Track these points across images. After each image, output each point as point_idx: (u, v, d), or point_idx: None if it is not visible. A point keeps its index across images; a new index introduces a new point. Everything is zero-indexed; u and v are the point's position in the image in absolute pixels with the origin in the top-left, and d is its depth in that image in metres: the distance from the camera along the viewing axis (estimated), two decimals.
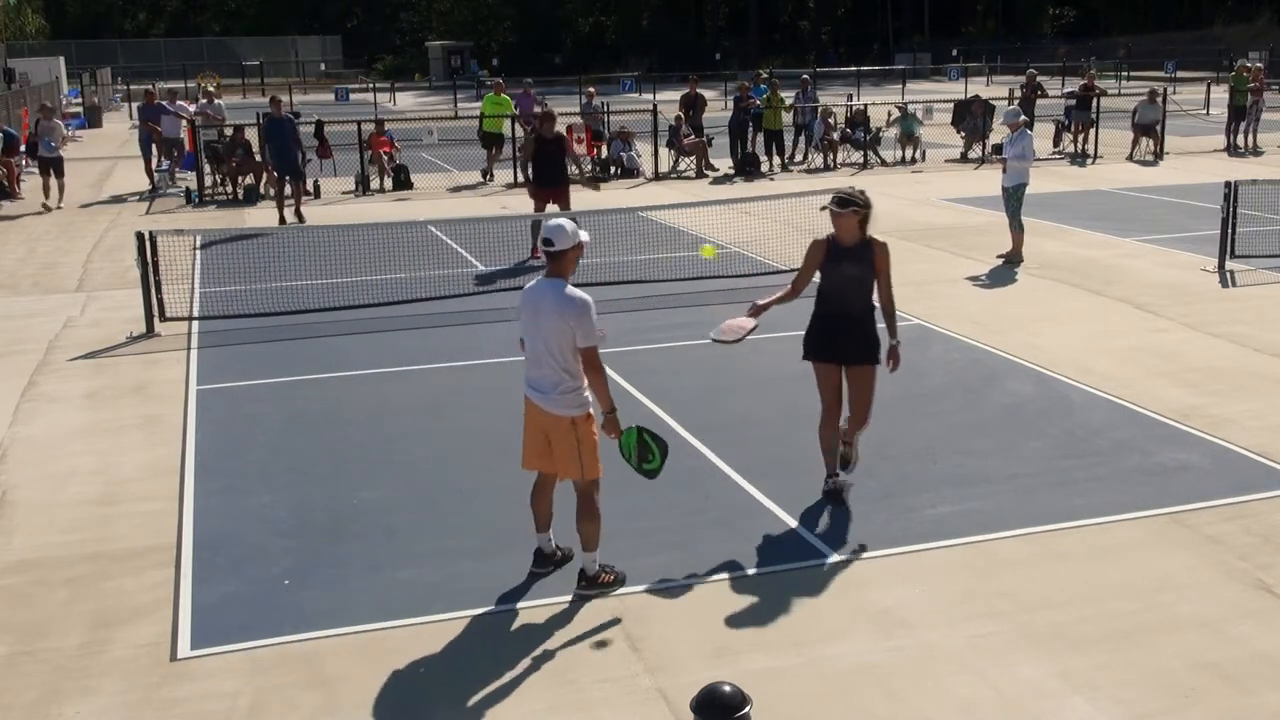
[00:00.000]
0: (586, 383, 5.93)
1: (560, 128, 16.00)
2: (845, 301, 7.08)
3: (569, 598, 6.08)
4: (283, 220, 18.06)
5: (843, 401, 7.23)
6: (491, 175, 23.02)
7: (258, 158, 21.31)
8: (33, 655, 5.67)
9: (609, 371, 10.17)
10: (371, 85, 52.29)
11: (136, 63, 63.20)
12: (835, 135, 24.52)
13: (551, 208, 14.79)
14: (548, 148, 14.95)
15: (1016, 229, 14.38)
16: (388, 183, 22.20)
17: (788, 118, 24.94)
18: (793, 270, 14.09)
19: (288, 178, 18.34)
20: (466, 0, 75.68)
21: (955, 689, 5.24)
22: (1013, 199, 14.30)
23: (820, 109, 25.36)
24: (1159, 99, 25.42)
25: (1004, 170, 14.52)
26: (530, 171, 15.05)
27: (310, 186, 21.43)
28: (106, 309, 12.76)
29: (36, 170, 21.36)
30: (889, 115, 26.18)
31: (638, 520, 7.03)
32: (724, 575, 6.33)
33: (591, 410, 6.00)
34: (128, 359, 10.84)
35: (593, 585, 6.10)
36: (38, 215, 19.61)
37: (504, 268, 14.61)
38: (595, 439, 6.01)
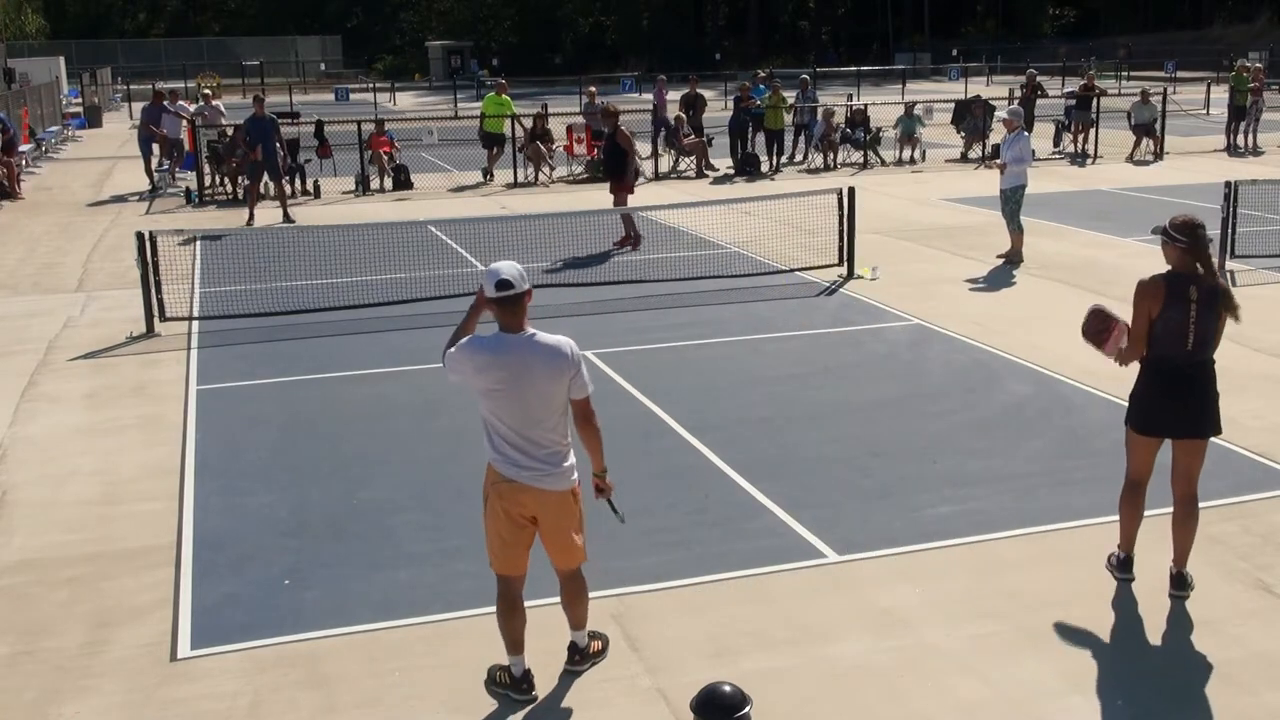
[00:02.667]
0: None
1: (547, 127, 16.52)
2: None
3: None
4: (251, 220, 18.12)
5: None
6: (491, 175, 23.01)
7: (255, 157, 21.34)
8: (33, 655, 5.67)
9: (609, 371, 10.23)
10: (371, 85, 52.31)
11: (136, 63, 63.21)
12: (836, 136, 24.50)
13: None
14: (607, 144, 16.14)
15: (1016, 230, 14.38)
16: (388, 183, 22.19)
17: (789, 117, 24.93)
18: (792, 270, 14.23)
19: (267, 178, 18.63)
20: (466, 0, 75.65)
21: (955, 689, 5.24)
22: (1010, 201, 14.30)
23: (823, 109, 25.36)
24: (1151, 99, 25.44)
25: (1001, 172, 14.51)
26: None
27: (310, 186, 21.48)
28: (106, 309, 12.76)
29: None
30: (908, 109, 25.82)
31: (638, 520, 7.01)
32: (724, 575, 6.32)
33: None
34: (128, 359, 10.84)
35: (585, 658, 5.45)
36: (38, 214, 19.60)
37: None
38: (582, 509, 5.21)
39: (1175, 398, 5.79)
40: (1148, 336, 5.76)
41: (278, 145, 18.78)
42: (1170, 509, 6.04)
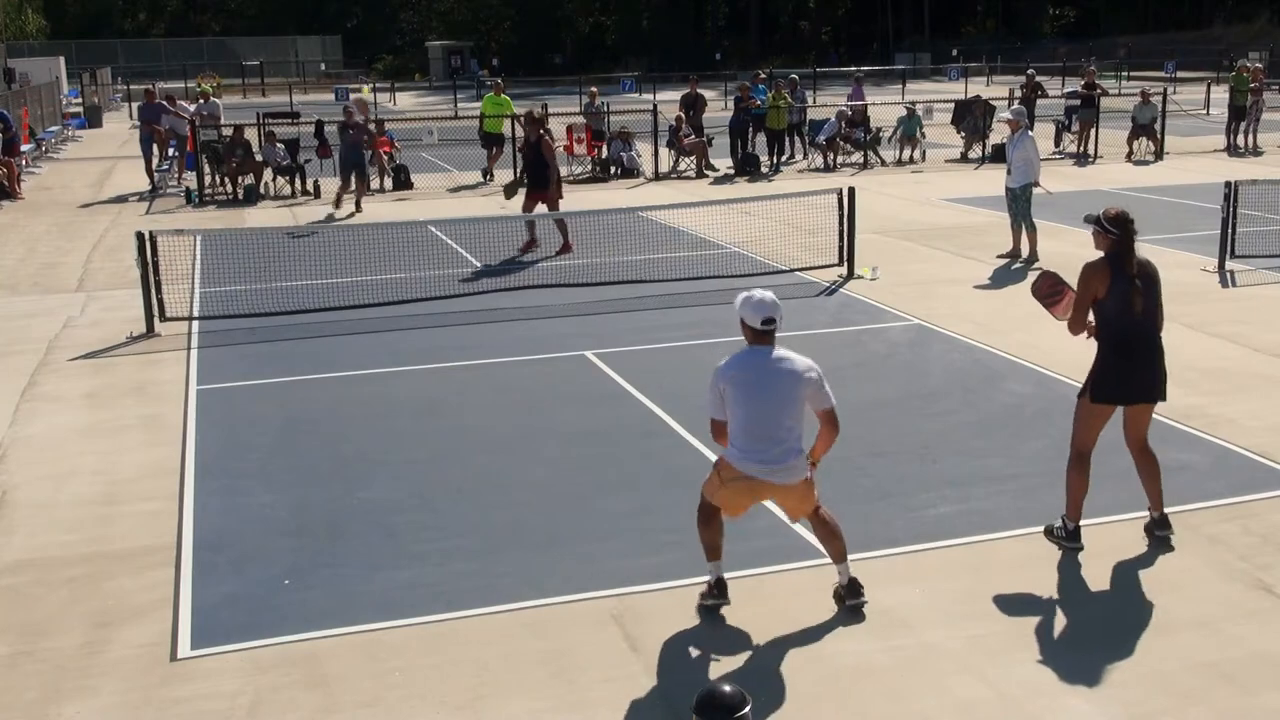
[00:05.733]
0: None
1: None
2: None
3: (569, 598, 6.08)
4: (358, 209, 19.10)
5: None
6: (491, 175, 23.01)
7: (258, 158, 21.36)
8: (33, 655, 5.67)
9: (609, 372, 10.24)
10: (372, 85, 52.29)
11: (136, 63, 63.22)
12: (839, 138, 24.51)
13: (540, 209, 15.61)
14: (528, 152, 15.80)
15: (1030, 229, 14.40)
16: (388, 183, 22.19)
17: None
18: (793, 270, 14.22)
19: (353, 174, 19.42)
20: (466, 0, 75.69)
21: (955, 689, 5.24)
22: (1020, 199, 14.31)
23: (838, 110, 25.38)
24: (1151, 99, 25.47)
25: (1009, 171, 14.52)
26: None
27: (310, 186, 21.49)
28: (106, 309, 12.76)
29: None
30: (909, 111, 25.91)
31: (638, 519, 7.03)
32: (724, 575, 6.31)
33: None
34: (128, 359, 10.85)
35: (860, 591, 5.92)
36: (38, 214, 19.61)
37: (504, 268, 14.61)
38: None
39: (1139, 365, 6.34)
40: (1099, 314, 6.30)
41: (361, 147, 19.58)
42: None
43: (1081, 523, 6.64)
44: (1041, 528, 6.80)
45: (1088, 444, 6.51)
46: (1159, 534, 6.59)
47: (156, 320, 11.68)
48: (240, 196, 21.01)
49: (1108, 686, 5.24)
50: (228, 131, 21.97)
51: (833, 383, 10.20)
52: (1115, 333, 6.29)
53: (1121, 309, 6.24)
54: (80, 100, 42.22)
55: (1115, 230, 6.26)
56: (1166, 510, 6.72)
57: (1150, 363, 6.38)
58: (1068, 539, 6.56)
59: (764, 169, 23.73)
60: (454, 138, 26.38)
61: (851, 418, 8.84)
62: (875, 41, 76.04)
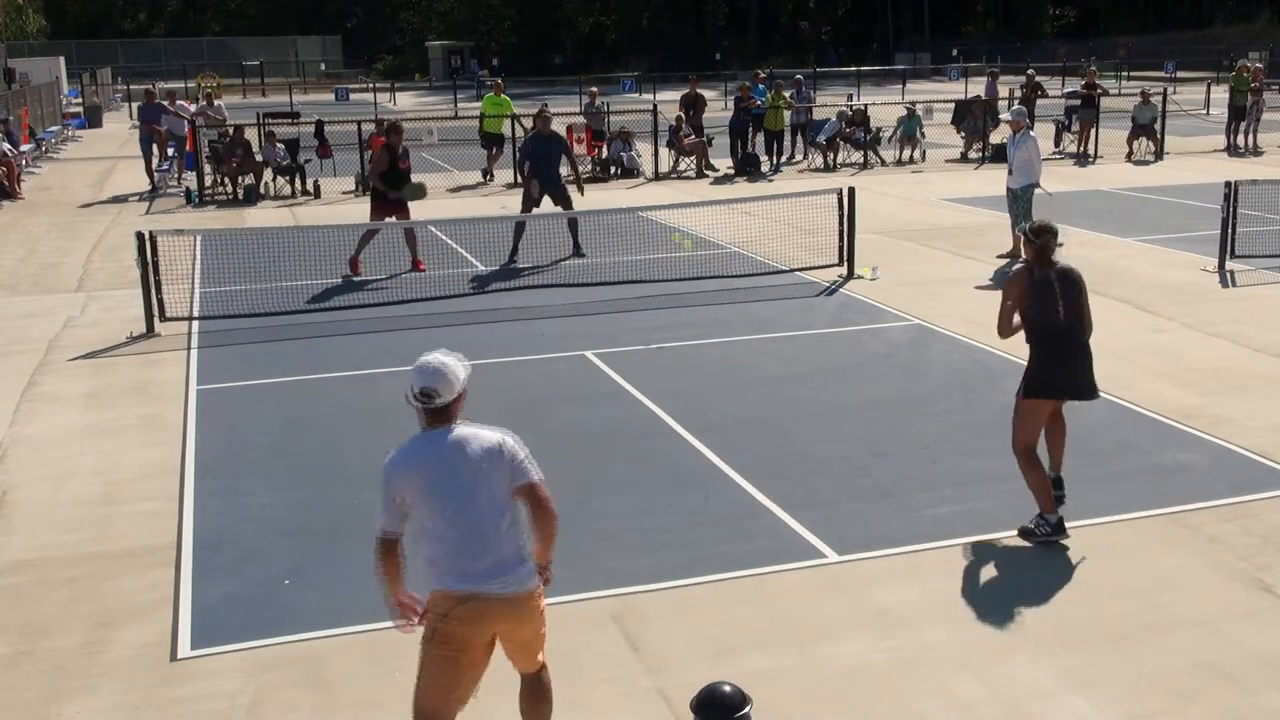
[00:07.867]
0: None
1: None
2: None
3: (568, 598, 6.07)
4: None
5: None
6: (491, 175, 23.02)
7: (258, 158, 21.36)
8: (33, 655, 5.67)
9: (609, 372, 10.24)
10: (371, 85, 52.27)
11: (136, 63, 63.16)
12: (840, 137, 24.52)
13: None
14: (400, 160, 14.44)
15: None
16: None
17: (788, 116, 24.95)
18: (793, 270, 14.22)
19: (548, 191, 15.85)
20: (466, 0, 75.67)
21: (955, 689, 5.24)
22: (1021, 200, 14.30)
23: (839, 110, 25.38)
24: (1151, 99, 25.48)
25: (1010, 172, 14.50)
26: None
27: (310, 186, 21.48)
28: (106, 309, 12.76)
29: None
30: (910, 111, 25.95)
31: (638, 520, 7.03)
32: (724, 575, 6.32)
33: None
34: (128, 359, 10.84)
35: None
36: (38, 214, 19.60)
37: (504, 268, 14.61)
38: None
39: (1065, 364, 6.65)
40: (1025, 319, 6.66)
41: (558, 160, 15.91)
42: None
43: (1082, 522, 6.66)
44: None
45: (1031, 439, 6.72)
46: (1060, 493, 6.81)
47: (156, 320, 11.68)
48: (240, 196, 21.01)
49: (1107, 686, 5.24)
50: (229, 131, 21.96)
51: (833, 382, 10.17)
52: (1040, 336, 6.62)
53: (1043, 312, 6.57)
54: (80, 100, 42.19)
55: (1034, 239, 6.68)
56: (1166, 510, 6.73)
57: (1077, 362, 6.67)
58: (1054, 532, 6.62)
59: (764, 169, 23.72)
60: (454, 138, 26.37)
61: (851, 418, 8.89)
62: (875, 41, 75.98)
